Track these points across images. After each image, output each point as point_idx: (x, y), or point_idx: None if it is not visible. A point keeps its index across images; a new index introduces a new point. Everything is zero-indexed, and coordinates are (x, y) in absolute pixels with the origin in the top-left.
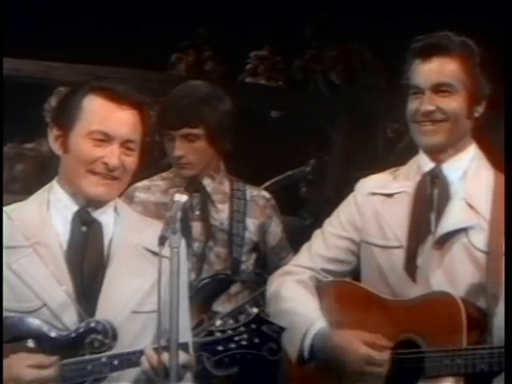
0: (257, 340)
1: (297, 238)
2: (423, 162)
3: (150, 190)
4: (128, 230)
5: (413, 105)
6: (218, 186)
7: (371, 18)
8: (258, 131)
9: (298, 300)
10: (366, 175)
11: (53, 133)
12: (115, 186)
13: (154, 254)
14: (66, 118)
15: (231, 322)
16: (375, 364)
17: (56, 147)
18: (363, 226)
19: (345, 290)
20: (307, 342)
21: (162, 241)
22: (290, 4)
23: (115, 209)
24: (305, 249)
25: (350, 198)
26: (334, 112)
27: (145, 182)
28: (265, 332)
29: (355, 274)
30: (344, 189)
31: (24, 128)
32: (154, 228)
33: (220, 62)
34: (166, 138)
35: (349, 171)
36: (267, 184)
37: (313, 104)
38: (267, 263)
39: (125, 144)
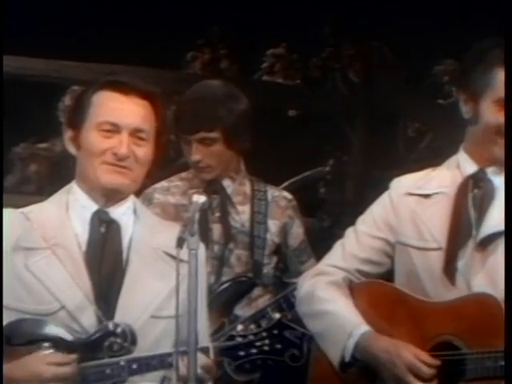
0: (279, 346)
1: (315, 240)
2: (465, 164)
3: (169, 191)
4: (147, 232)
5: (497, 117)
6: (238, 187)
7: (390, 15)
8: (274, 131)
9: (335, 301)
10: (387, 176)
11: (67, 134)
12: (129, 176)
13: (174, 257)
14: (77, 117)
15: (253, 326)
16: (420, 376)
17: (71, 148)
18: (398, 227)
19: (377, 291)
20: (351, 344)
21: (180, 243)
22: (307, 1)
23: (134, 211)
24: (337, 247)
25: (385, 197)
26: (352, 111)
27: (163, 183)
28: (287, 338)
29: (388, 276)
30: (364, 189)
31: (37, 128)
32: (174, 231)
33: (236, 60)
34: (182, 140)
35: (368, 171)
36: (285, 185)
37: (331, 103)
38: (287, 266)
39: (134, 134)
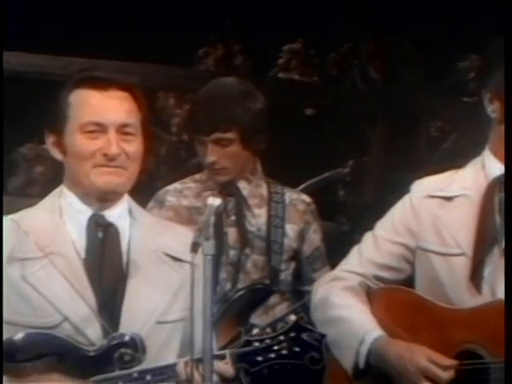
0: (297, 349)
1: (333, 245)
2: (492, 166)
3: (182, 193)
4: (145, 234)
5: None
6: (254, 189)
7: (411, 8)
8: (290, 130)
9: (350, 307)
10: (409, 177)
11: (49, 140)
12: (123, 176)
13: (175, 259)
14: (56, 120)
15: (269, 330)
16: (436, 380)
17: (55, 153)
18: (419, 231)
19: (397, 297)
20: (364, 350)
21: (195, 247)
22: None
23: (130, 212)
24: (354, 253)
25: (405, 200)
26: (372, 109)
27: (176, 185)
28: (305, 340)
29: (408, 282)
30: (384, 192)
31: (43, 127)
32: (173, 231)
33: (250, 56)
34: (196, 141)
35: (389, 173)
36: (302, 187)
37: (349, 101)
38: (301, 273)
39: (121, 129)
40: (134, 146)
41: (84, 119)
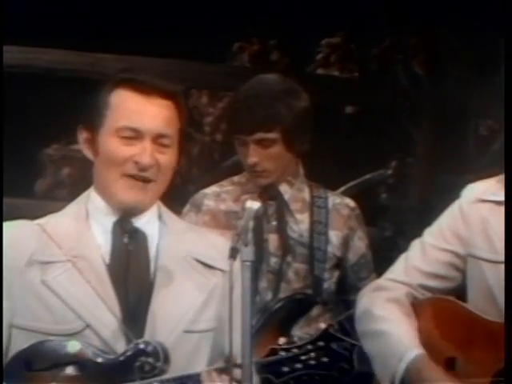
0: (326, 359)
1: (376, 251)
2: None
3: (220, 197)
4: (175, 239)
5: None
6: (296, 192)
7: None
8: (329, 129)
9: (391, 321)
10: (456, 180)
11: (82, 136)
12: (150, 190)
13: (206, 266)
14: (93, 117)
15: (296, 338)
16: None
17: (87, 151)
18: (469, 238)
19: (445, 309)
20: (401, 369)
21: (234, 253)
22: None
23: (160, 217)
24: (401, 261)
25: (455, 206)
26: (416, 107)
27: (214, 189)
28: (335, 350)
29: (460, 291)
30: (430, 195)
31: (71, 128)
32: (205, 237)
33: (287, 51)
34: (237, 142)
35: (435, 175)
36: (341, 189)
37: (392, 98)
38: (345, 282)
39: (157, 140)
40: (168, 158)
41: (121, 123)
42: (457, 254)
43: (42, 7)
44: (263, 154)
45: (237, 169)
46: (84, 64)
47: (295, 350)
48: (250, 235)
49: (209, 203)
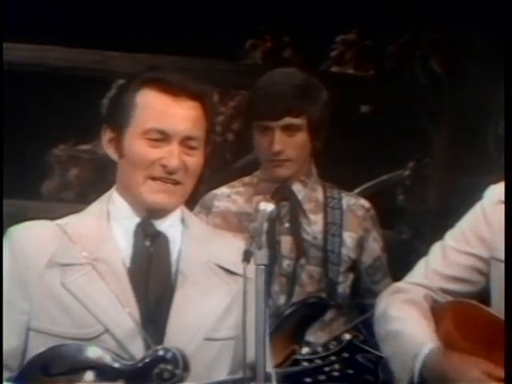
0: (350, 371)
1: (392, 255)
2: None
3: (231, 198)
4: (197, 244)
5: None
6: (310, 192)
7: None
8: (344, 129)
9: (406, 319)
10: (476, 181)
11: (106, 135)
12: (177, 193)
13: (228, 272)
14: (118, 117)
15: (320, 349)
16: None
17: (111, 151)
18: (493, 240)
19: (465, 312)
20: (417, 364)
21: (247, 256)
22: None
23: (182, 220)
24: (421, 264)
25: (477, 208)
26: (435, 106)
27: (224, 189)
28: (359, 361)
29: (483, 295)
30: (449, 197)
31: (78, 128)
32: (227, 241)
33: (301, 48)
34: (257, 130)
35: (454, 176)
36: (357, 191)
37: (410, 97)
38: (360, 285)
39: (185, 142)
40: (195, 160)
41: (148, 125)
42: (480, 257)
43: (47, 2)
44: (288, 141)
45: (248, 169)
46: (92, 62)
47: (318, 361)
48: (264, 238)
49: (219, 204)
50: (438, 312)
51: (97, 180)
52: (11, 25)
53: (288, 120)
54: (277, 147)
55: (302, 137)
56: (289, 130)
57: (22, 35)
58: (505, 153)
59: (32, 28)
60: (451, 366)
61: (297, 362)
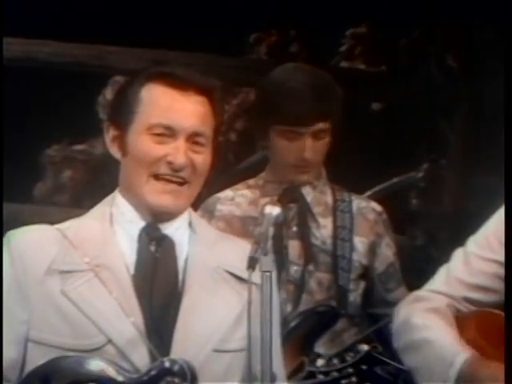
0: None
1: (406, 262)
2: None
3: (235, 201)
4: (206, 249)
5: None
6: (319, 195)
7: None
8: (354, 128)
9: (433, 327)
10: (494, 183)
11: (109, 133)
12: (184, 194)
13: (238, 278)
14: (122, 114)
15: (336, 361)
16: None
17: (114, 150)
18: None
19: (490, 323)
20: (453, 375)
21: (253, 263)
22: None
23: (190, 224)
24: (442, 272)
25: (501, 211)
26: (451, 104)
27: (227, 192)
28: (378, 374)
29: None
30: (465, 200)
31: (73, 126)
32: (237, 246)
33: (308, 42)
34: (279, 134)
35: (471, 178)
36: (367, 194)
37: (424, 94)
38: (372, 294)
39: (192, 138)
40: (202, 158)
41: (153, 120)
42: (504, 264)
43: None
44: (317, 147)
45: (252, 171)
46: (89, 57)
47: (335, 374)
48: (270, 243)
49: (222, 208)
50: (460, 322)
51: (93, 182)
52: (5, 17)
53: (320, 125)
54: (309, 155)
55: (327, 140)
56: (318, 135)
57: (12, 28)
58: (505, 153)
59: (23, 21)
60: (491, 375)
61: (312, 375)
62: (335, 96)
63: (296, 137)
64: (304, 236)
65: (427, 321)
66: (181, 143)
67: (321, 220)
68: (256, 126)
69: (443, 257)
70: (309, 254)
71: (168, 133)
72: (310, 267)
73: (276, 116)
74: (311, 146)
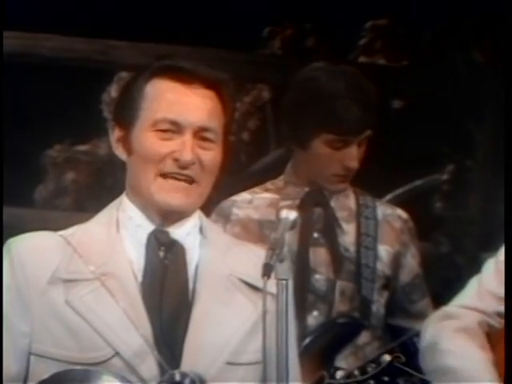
0: None
1: (430, 270)
2: None
3: (252, 204)
4: (217, 256)
5: None
6: (343, 199)
7: None
8: (374, 127)
9: (461, 355)
10: None
11: (114, 134)
12: (193, 192)
13: (252, 287)
14: (127, 112)
15: (357, 372)
16: None
17: (119, 151)
18: None
19: None
20: None
21: (268, 271)
22: None
23: (201, 229)
24: (473, 284)
25: None
26: (477, 101)
27: (245, 195)
28: None
29: None
30: (493, 204)
31: (76, 126)
32: (251, 253)
33: (325, 36)
34: (324, 141)
35: (499, 180)
36: (388, 197)
37: (449, 91)
38: (394, 305)
39: (199, 134)
40: (212, 155)
41: (158, 115)
42: None
43: None
44: (360, 154)
45: (266, 172)
46: (92, 52)
47: None
48: (286, 249)
49: (239, 212)
50: (493, 339)
51: (97, 185)
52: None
53: (365, 134)
54: (355, 164)
55: (365, 147)
56: (362, 143)
57: (12, 22)
58: (505, 152)
59: (24, 14)
60: None
61: None
62: (375, 101)
63: (344, 146)
64: (330, 242)
65: (455, 345)
66: (187, 139)
67: (344, 225)
68: (297, 128)
69: (469, 265)
70: (337, 262)
71: (174, 128)
72: (333, 276)
73: (327, 123)
74: (358, 156)
